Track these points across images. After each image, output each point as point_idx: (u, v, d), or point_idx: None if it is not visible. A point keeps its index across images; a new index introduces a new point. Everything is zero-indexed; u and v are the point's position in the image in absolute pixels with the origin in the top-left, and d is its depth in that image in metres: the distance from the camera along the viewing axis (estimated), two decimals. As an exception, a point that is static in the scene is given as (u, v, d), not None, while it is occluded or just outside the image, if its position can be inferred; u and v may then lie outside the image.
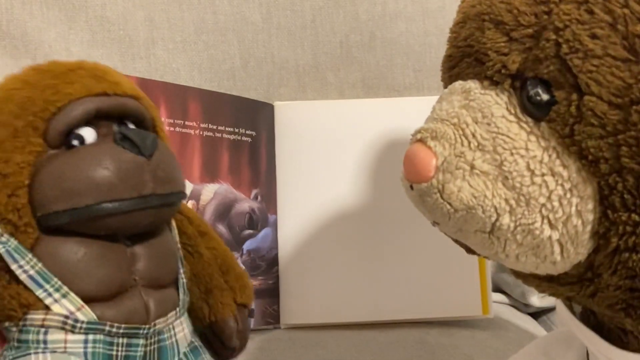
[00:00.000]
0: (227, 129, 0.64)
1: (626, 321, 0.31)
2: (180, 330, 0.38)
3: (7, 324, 0.34)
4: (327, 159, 0.66)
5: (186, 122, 0.61)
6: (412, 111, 0.67)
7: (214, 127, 0.63)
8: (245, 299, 0.42)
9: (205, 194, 0.62)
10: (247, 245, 0.64)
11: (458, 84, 0.34)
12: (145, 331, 0.35)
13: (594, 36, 0.27)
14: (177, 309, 0.38)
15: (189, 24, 0.71)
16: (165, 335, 0.37)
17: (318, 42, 0.73)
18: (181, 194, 0.38)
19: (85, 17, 0.68)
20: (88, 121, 0.35)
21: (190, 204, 0.60)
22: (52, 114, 0.34)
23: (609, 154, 0.28)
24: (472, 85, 0.33)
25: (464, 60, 0.34)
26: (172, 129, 0.60)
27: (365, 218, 0.65)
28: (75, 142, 0.35)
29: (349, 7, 0.74)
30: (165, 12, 0.70)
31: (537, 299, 0.76)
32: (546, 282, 0.33)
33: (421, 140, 0.33)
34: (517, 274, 0.35)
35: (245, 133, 0.65)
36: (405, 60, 0.75)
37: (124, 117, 0.37)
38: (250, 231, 0.64)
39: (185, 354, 0.38)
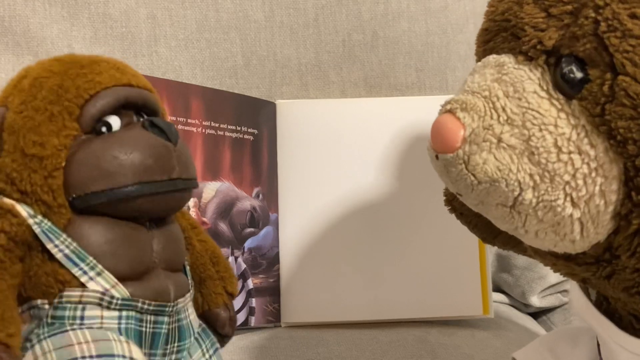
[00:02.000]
0: (229, 127, 0.64)
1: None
2: (192, 312, 0.40)
3: (39, 302, 0.35)
4: (328, 157, 0.66)
5: (188, 120, 0.61)
6: (414, 110, 0.67)
7: (216, 125, 0.63)
8: (234, 288, 0.45)
9: (206, 192, 0.62)
10: (248, 244, 0.64)
11: (492, 58, 0.34)
12: (170, 309, 0.37)
13: (633, 16, 0.27)
14: (190, 292, 0.40)
15: (191, 22, 0.71)
16: (183, 315, 0.39)
17: (320, 40, 0.73)
18: (196, 181, 0.40)
19: (88, 14, 0.68)
20: (114, 110, 0.37)
21: (191, 201, 0.60)
22: (85, 100, 0.36)
23: (639, 135, 0.28)
24: (506, 59, 0.33)
25: (499, 35, 0.34)
26: (174, 126, 0.60)
27: (367, 217, 0.65)
28: (103, 129, 0.36)
29: (352, 5, 0.74)
30: (167, 10, 0.70)
31: (537, 299, 0.77)
32: (563, 261, 0.33)
33: (450, 111, 0.33)
34: (535, 251, 0.35)
35: (247, 131, 0.65)
36: (407, 60, 0.75)
37: (143, 109, 0.39)
38: (252, 229, 0.64)
39: (198, 333, 0.40)
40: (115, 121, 0.37)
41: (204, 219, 0.61)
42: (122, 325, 0.35)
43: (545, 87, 0.31)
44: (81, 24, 0.68)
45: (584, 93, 0.29)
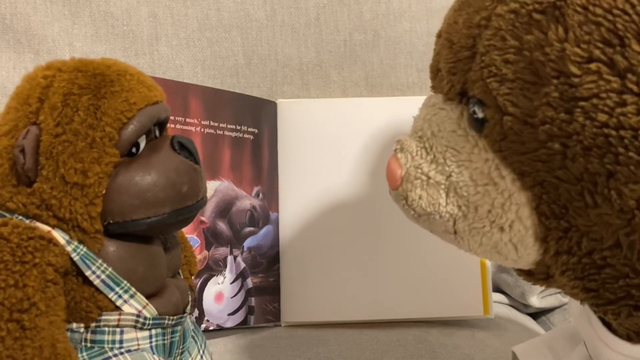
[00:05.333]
0: (228, 126, 0.64)
1: (608, 317, 0.32)
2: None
3: (74, 325, 0.35)
4: (329, 157, 0.66)
5: (187, 119, 0.61)
6: (415, 110, 0.67)
7: (215, 124, 0.63)
8: (195, 269, 0.46)
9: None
10: (248, 243, 0.64)
11: (428, 97, 0.37)
12: (184, 319, 0.39)
13: (507, 62, 0.29)
14: (189, 296, 0.41)
15: (192, 21, 0.71)
16: (184, 319, 0.40)
17: (322, 40, 0.73)
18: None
19: (89, 12, 0.68)
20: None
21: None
22: (122, 124, 0.35)
23: (530, 168, 0.30)
24: (436, 100, 0.35)
25: (437, 74, 0.36)
26: (172, 125, 0.60)
27: (367, 217, 0.65)
28: (133, 150, 0.36)
29: (353, 5, 0.74)
30: (169, 9, 0.70)
31: (537, 300, 0.77)
32: (526, 276, 0.35)
33: (395, 151, 0.37)
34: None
35: (248, 130, 0.65)
36: (408, 60, 0.75)
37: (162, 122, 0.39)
38: (252, 229, 0.64)
39: (193, 331, 0.42)
40: (143, 140, 0.37)
41: (202, 218, 0.61)
42: (153, 343, 0.36)
43: (462, 126, 0.33)
44: (82, 22, 0.68)
45: (486, 131, 0.31)
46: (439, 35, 0.36)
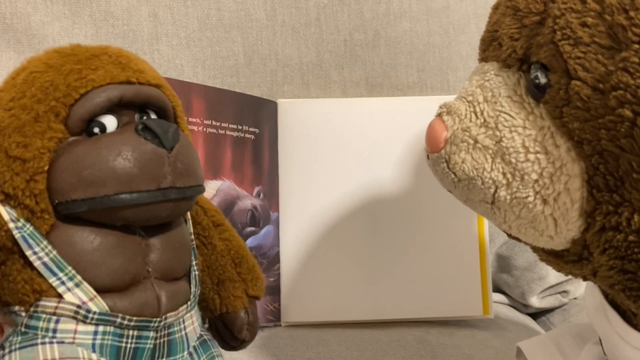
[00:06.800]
0: (230, 125, 0.64)
1: (628, 303, 0.32)
2: (190, 324, 0.38)
3: (17, 308, 0.33)
4: (329, 157, 0.66)
5: (190, 119, 0.61)
6: (415, 110, 0.67)
7: (217, 123, 0.63)
8: (257, 291, 0.42)
9: (207, 191, 0.62)
10: (249, 243, 0.63)
11: (480, 65, 0.37)
12: (155, 324, 0.35)
13: (584, 24, 0.29)
14: (188, 303, 0.38)
15: (193, 20, 0.71)
16: (175, 329, 0.37)
17: (322, 40, 0.73)
18: (200, 188, 0.37)
19: (90, 11, 0.68)
20: (110, 109, 0.35)
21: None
22: (74, 100, 0.34)
23: (592, 136, 0.30)
24: (490, 67, 0.35)
25: (491, 44, 0.36)
26: (175, 124, 0.60)
27: (367, 216, 0.65)
28: (96, 130, 0.34)
29: (354, 5, 0.74)
30: (169, 8, 0.70)
31: (537, 300, 0.77)
32: (553, 258, 0.35)
33: (439, 115, 0.36)
34: (534, 248, 0.37)
35: (249, 130, 0.65)
36: (409, 60, 0.75)
37: (146, 106, 0.37)
38: (252, 228, 0.64)
39: (194, 347, 0.38)
40: (111, 122, 0.35)
41: (205, 218, 0.61)
42: (97, 341, 0.33)
43: (518, 92, 0.33)
44: (83, 22, 0.68)
45: (547, 97, 0.31)
46: (496, 7, 0.36)
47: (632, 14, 0.28)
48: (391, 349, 0.59)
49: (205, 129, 0.62)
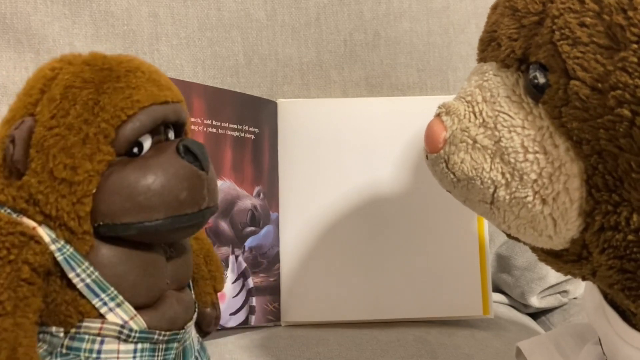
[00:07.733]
0: (230, 125, 0.64)
1: (627, 302, 0.32)
2: (192, 329, 0.39)
3: (54, 329, 0.33)
4: (329, 157, 0.66)
5: (190, 119, 0.61)
6: (415, 110, 0.67)
7: (218, 123, 0.63)
8: (221, 285, 0.44)
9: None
10: (249, 243, 0.63)
11: (479, 65, 0.37)
12: (181, 336, 0.36)
13: (582, 24, 0.29)
14: (195, 312, 0.38)
15: (193, 20, 0.71)
16: (187, 336, 0.37)
17: (322, 40, 0.73)
18: (217, 206, 0.38)
19: (90, 11, 0.68)
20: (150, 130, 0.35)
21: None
22: (121, 121, 0.33)
23: (591, 136, 0.30)
24: (488, 67, 0.35)
25: (490, 44, 0.36)
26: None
27: (367, 216, 0.65)
28: (135, 150, 0.34)
29: (354, 5, 0.74)
30: (169, 8, 0.70)
31: (537, 300, 0.77)
32: (552, 258, 0.35)
33: (438, 115, 0.36)
34: (533, 248, 0.37)
35: (249, 130, 0.65)
36: (408, 60, 0.75)
37: (174, 124, 0.37)
38: (252, 228, 0.64)
39: (198, 351, 0.39)
40: (147, 140, 0.35)
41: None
42: (137, 359, 0.34)
43: (517, 92, 0.33)
44: (83, 22, 0.68)
45: (546, 97, 0.31)
46: (494, 7, 0.36)
47: (630, 13, 0.28)
48: (391, 349, 0.59)
49: (205, 129, 0.62)
